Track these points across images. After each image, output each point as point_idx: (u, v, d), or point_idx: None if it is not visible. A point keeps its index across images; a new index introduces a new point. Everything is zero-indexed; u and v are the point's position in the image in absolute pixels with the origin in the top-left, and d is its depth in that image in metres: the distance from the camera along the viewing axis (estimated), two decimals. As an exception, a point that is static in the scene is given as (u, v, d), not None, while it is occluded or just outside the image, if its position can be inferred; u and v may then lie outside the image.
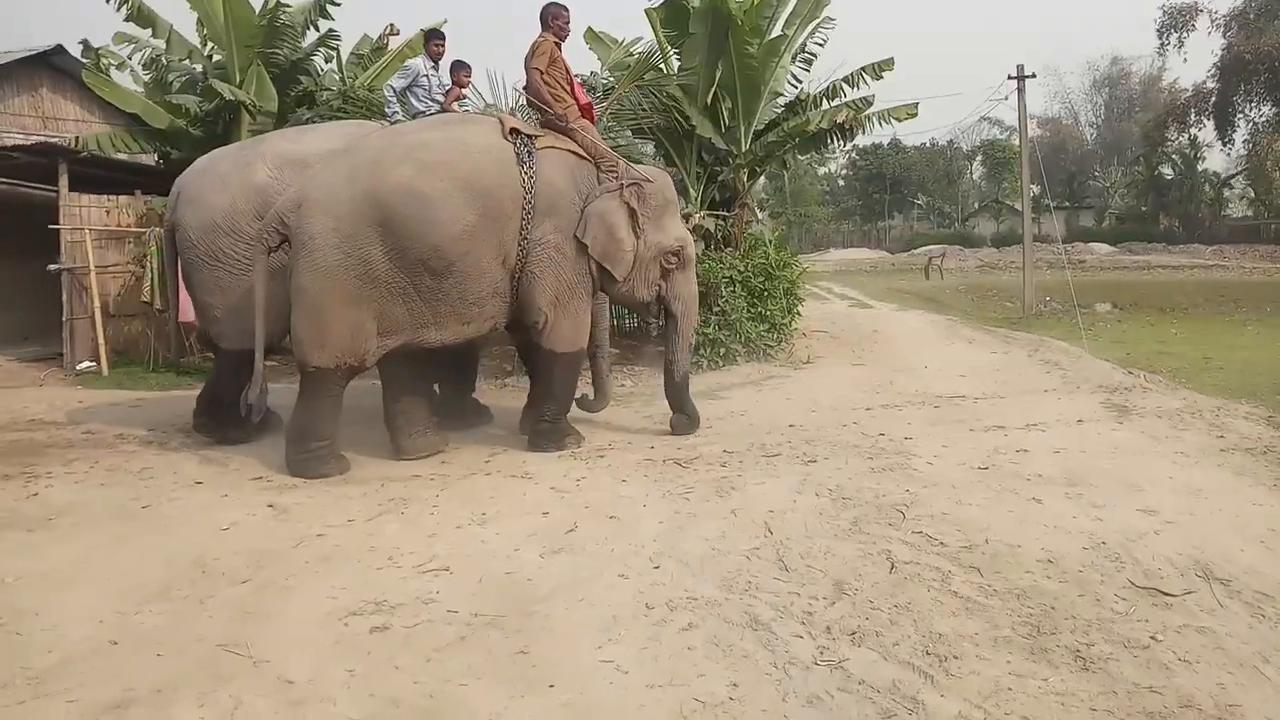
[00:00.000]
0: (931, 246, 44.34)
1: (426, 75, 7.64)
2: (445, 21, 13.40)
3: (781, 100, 12.09)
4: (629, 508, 5.18)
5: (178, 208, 7.04)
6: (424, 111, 7.59)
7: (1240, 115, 40.91)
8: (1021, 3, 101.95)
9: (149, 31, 12.43)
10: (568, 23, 6.75)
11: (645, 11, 11.05)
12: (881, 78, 11.71)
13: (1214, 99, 40.40)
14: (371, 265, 5.95)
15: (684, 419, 7.13)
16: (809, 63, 12.09)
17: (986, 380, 9.49)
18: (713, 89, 10.96)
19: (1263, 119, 40.61)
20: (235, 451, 6.86)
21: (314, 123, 10.04)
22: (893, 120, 11.55)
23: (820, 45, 11.96)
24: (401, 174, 5.99)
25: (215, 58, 12.88)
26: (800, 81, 12.02)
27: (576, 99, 6.73)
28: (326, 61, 12.92)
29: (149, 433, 7.49)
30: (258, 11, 11.79)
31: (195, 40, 13.14)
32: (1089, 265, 33.06)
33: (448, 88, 7.77)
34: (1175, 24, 40.90)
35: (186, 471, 6.32)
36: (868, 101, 11.83)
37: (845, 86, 11.75)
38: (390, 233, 5.92)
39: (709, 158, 11.62)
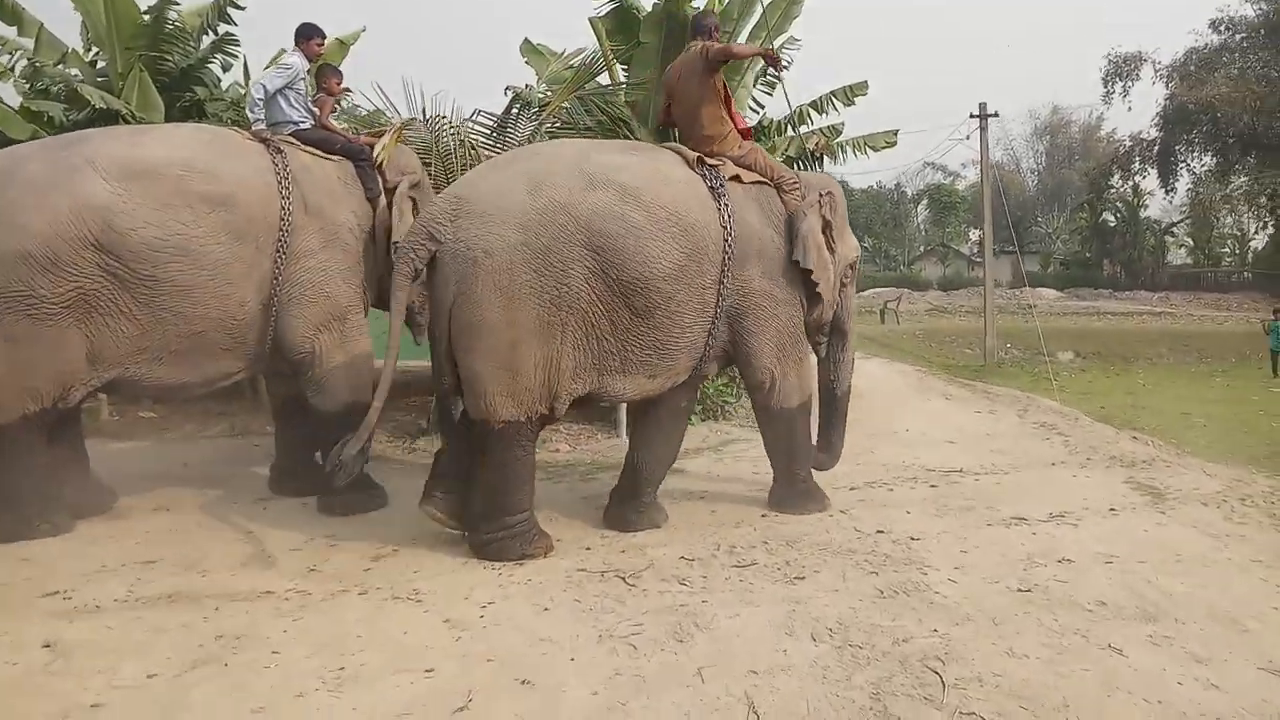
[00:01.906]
0: (883, 289, 43.58)
1: (303, 78, 6.13)
2: (364, 29, 11.97)
3: (741, 126, 10.75)
4: (550, 663, 3.64)
5: None
6: (298, 122, 6.06)
7: (1183, 165, 41.08)
8: (961, 51, 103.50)
9: (15, 30, 10.68)
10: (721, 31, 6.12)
11: (590, 20, 9.68)
12: (854, 103, 10.43)
13: (1157, 147, 40.51)
14: (570, 288, 4.88)
15: (827, 455, 6.33)
16: (772, 86, 10.78)
17: (980, 449, 8.14)
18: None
19: (1204, 168, 40.78)
20: (46, 548, 5.24)
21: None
22: (868, 149, 10.29)
23: (786, 68, 10.65)
24: (605, 195, 5.02)
25: (100, 64, 11.24)
26: (763, 106, 10.70)
27: (734, 121, 5.83)
28: (225, 70, 11.28)
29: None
30: (143, 10, 10.17)
31: (77, 43, 11.49)
32: (1039, 310, 32.42)
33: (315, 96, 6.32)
34: (1120, 73, 40.99)
35: (-41, 583, 4.67)
36: (836, 130, 10.57)
37: (813, 112, 10.45)
38: (594, 255, 4.92)
39: (660, 187, 10.19)
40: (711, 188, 5.41)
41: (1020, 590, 4.42)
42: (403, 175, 6.25)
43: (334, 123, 6.38)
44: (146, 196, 5.31)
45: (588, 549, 5.16)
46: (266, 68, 10.38)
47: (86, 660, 3.77)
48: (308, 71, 6.27)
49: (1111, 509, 6.02)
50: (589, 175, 5.05)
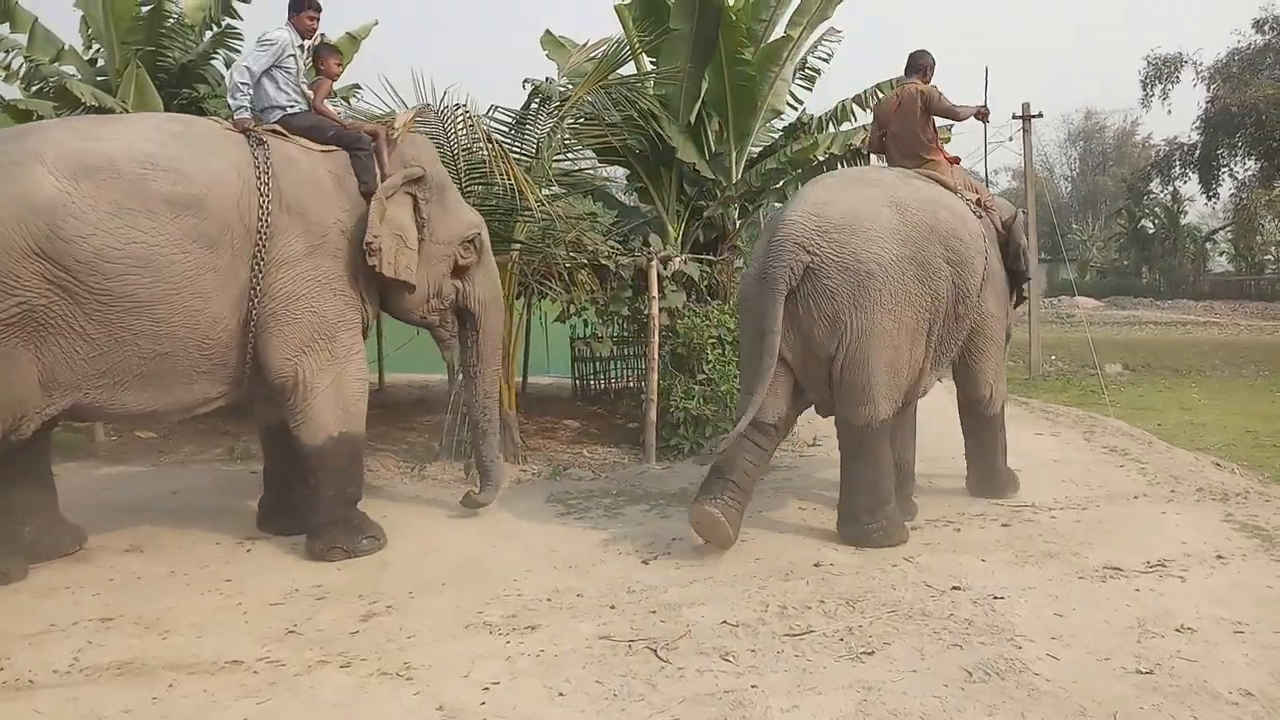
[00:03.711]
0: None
1: (293, 55, 5.41)
2: (376, 23, 11.34)
3: (779, 123, 10.00)
4: (565, 779, 2.90)
5: None
6: (286, 107, 5.36)
7: (1225, 169, 39.83)
8: (993, 52, 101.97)
9: (7, 26, 10.13)
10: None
11: (615, 8, 8.98)
12: (900, 97, 9.66)
13: (1198, 152, 39.32)
14: (939, 302, 5.51)
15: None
16: (811, 80, 10.04)
17: (1050, 478, 7.29)
18: (697, 104, 8.86)
19: (1247, 173, 39.47)
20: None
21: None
22: (919, 147, 9.50)
23: (825, 60, 9.92)
24: (948, 216, 5.66)
25: (100, 62, 10.69)
26: (801, 102, 9.94)
27: (942, 152, 6.36)
28: (228, 66, 10.66)
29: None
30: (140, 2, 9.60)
31: (76, 40, 10.94)
32: (1077, 320, 31.37)
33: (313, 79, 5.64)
34: (1160, 75, 39.88)
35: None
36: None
37: (856, 108, 9.68)
38: (953, 269, 5.57)
39: (691, 189, 9.40)
40: (976, 215, 6.00)
41: (1140, 672, 3.62)
42: (402, 168, 5.50)
43: (330, 107, 5.68)
44: (99, 198, 4.59)
45: (612, 608, 4.39)
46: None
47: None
48: (300, 48, 5.56)
49: (1219, 556, 5.18)
50: (925, 199, 5.59)
